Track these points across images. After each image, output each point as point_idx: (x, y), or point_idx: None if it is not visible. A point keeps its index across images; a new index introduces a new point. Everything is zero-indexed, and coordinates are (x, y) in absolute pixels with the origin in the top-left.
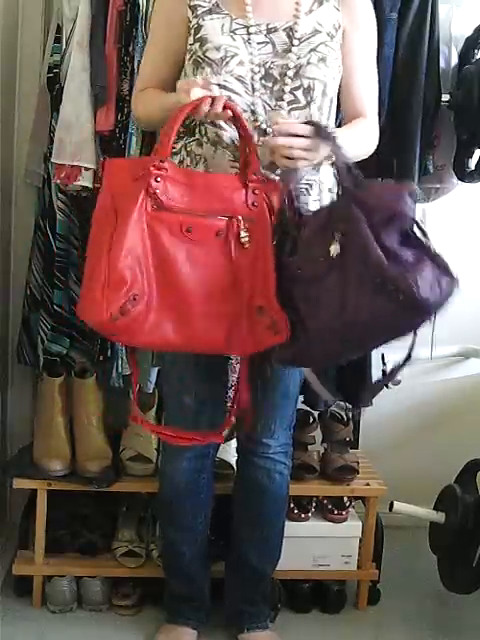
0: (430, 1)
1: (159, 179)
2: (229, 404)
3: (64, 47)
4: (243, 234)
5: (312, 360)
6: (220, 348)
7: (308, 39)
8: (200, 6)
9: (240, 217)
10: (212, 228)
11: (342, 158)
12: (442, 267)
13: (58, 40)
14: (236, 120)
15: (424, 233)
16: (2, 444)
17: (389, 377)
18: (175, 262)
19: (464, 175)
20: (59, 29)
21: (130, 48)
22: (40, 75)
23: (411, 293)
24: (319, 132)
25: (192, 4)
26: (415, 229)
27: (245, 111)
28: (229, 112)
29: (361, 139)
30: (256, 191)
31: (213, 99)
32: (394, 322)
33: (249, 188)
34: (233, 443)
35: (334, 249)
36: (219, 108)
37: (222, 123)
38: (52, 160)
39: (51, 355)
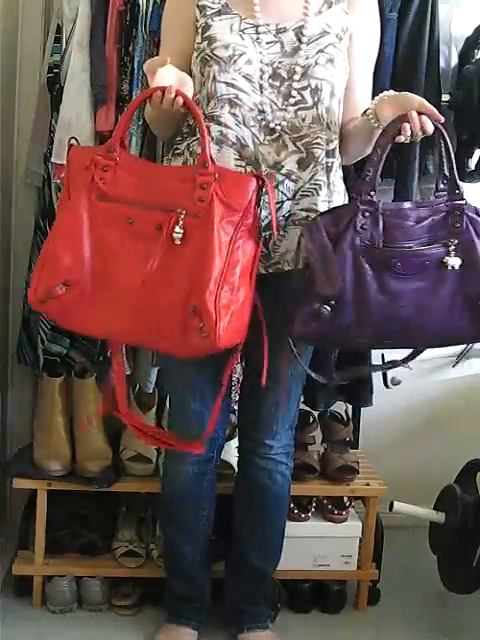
0: (430, 1)
1: (106, 168)
2: (232, 404)
3: (64, 47)
4: (177, 229)
5: (339, 344)
6: (148, 344)
7: (317, 40)
8: (209, 7)
9: (183, 211)
10: (153, 221)
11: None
12: None
13: (58, 40)
14: (189, 110)
15: None
16: (2, 444)
17: (407, 359)
18: (112, 253)
19: (464, 175)
20: (59, 29)
21: (130, 48)
22: (40, 75)
23: None
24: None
25: (201, 4)
26: None
27: (252, 110)
28: (180, 100)
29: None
30: (204, 186)
31: (164, 89)
32: (462, 338)
33: (197, 182)
34: (233, 443)
35: (453, 261)
36: (171, 96)
37: (227, 122)
38: (52, 160)
39: (51, 355)
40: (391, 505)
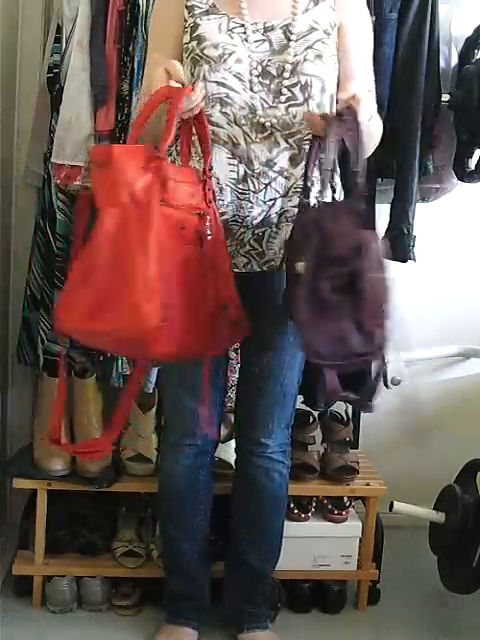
0: (430, 1)
1: (159, 170)
2: (229, 404)
3: (64, 47)
4: (208, 230)
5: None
6: (205, 351)
7: (305, 36)
8: (197, 7)
9: (202, 212)
10: (192, 225)
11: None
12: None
13: (58, 40)
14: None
15: None
16: (2, 444)
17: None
18: (177, 265)
19: (464, 175)
20: (59, 29)
21: (130, 48)
22: (40, 75)
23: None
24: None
25: (189, 4)
26: None
27: (243, 108)
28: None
29: (378, 132)
30: (210, 188)
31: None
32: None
33: (207, 185)
34: (232, 443)
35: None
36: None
37: (218, 121)
38: (52, 160)
39: (51, 355)
40: (391, 505)
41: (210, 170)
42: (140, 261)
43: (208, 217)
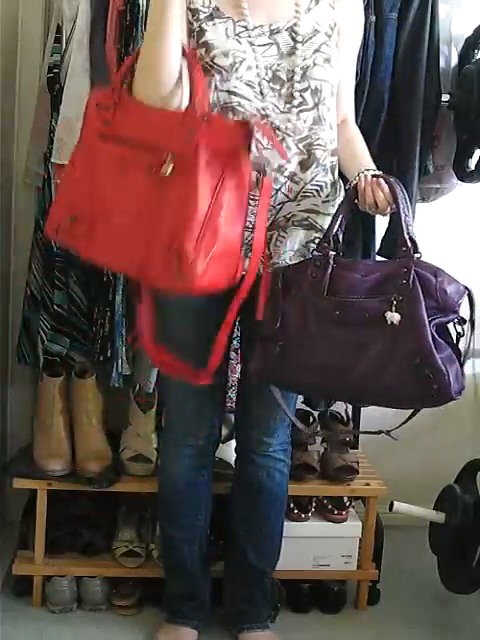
0: (430, 1)
1: (108, 108)
2: (229, 404)
3: (64, 47)
4: (166, 170)
5: (290, 386)
6: (134, 270)
7: (310, 39)
8: (200, 11)
9: (171, 153)
10: (144, 161)
11: (407, 213)
12: (462, 367)
13: (58, 40)
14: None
15: (459, 334)
16: (2, 444)
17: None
18: (111, 190)
19: (464, 175)
20: (59, 29)
21: (130, 48)
22: (40, 75)
23: (447, 390)
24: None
25: (192, 7)
26: (452, 326)
27: (255, 115)
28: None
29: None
30: (192, 129)
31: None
32: (414, 399)
33: (186, 125)
34: (233, 443)
35: (392, 317)
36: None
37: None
38: (52, 160)
39: (51, 355)
40: (391, 505)
41: (193, 109)
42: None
43: (170, 155)
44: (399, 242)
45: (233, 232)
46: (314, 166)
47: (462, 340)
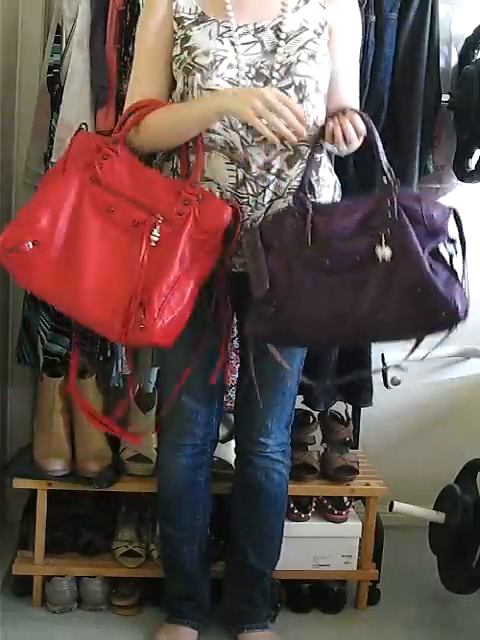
0: (430, 1)
1: (107, 157)
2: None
3: (64, 47)
4: (155, 233)
5: (292, 342)
6: (89, 322)
7: (296, 36)
8: (186, 18)
9: (161, 218)
10: (132, 216)
11: (380, 147)
12: (462, 287)
13: (58, 40)
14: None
15: (451, 255)
16: (2, 444)
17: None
18: (87, 233)
19: (464, 175)
20: (59, 29)
21: (130, 48)
22: (40, 75)
23: (454, 315)
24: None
25: (178, 16)
26: (443, 248)
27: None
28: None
29: None
30: (186, 202)
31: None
32: (421, 328)
33: (181, 197)
34: (232, 443)
35: (382, 253)
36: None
37: (214, 128)
38: (52, 160)
39: (51, 355)
40: (391, 505)
41: (191, 185)
42: (30, 203)
43: (159, 220)
44: (377, 176)
45: (192, 297)
46: (299, 162)
47: (455, 259)
